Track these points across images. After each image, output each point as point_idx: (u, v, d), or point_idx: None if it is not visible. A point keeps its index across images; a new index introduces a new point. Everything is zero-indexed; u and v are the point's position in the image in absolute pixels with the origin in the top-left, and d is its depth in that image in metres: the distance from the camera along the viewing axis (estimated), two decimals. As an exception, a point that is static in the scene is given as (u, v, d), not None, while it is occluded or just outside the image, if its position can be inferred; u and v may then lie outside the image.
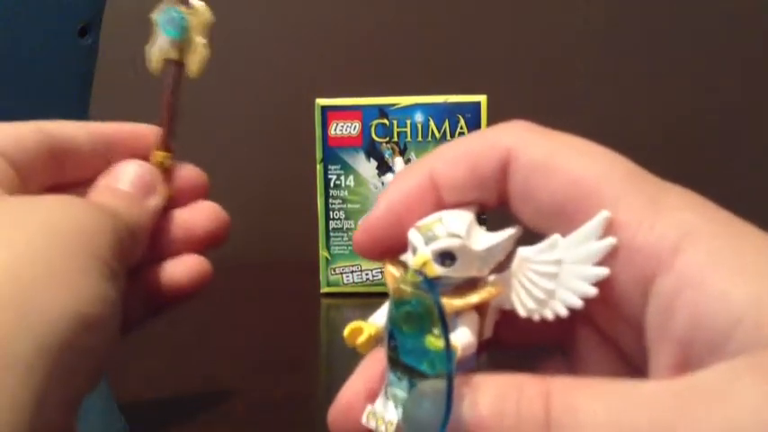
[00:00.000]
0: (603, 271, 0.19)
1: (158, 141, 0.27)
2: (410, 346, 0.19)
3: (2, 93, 0.31)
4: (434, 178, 0.21)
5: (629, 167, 0.19)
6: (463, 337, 0.19)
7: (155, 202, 0.26)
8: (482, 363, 0.20)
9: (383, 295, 0.20)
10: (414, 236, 0.20)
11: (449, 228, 0.20)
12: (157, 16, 0.27)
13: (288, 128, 0.66)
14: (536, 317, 0.19)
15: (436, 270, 0.19)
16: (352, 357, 0.23)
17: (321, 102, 0.56)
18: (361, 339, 0.20)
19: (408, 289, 0.19)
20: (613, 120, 0.70)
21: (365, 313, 0.21)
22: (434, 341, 0.18)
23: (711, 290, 0.17)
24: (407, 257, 0.21)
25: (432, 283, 0.19)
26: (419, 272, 0.19)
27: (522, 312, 0.20)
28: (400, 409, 0.19)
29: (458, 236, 0.19)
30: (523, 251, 0.20)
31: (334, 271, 0.57)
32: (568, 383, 0.17)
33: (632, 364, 0.19)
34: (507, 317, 0.20)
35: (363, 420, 0.20)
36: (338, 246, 0.57)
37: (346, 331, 0.20)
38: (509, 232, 0.20)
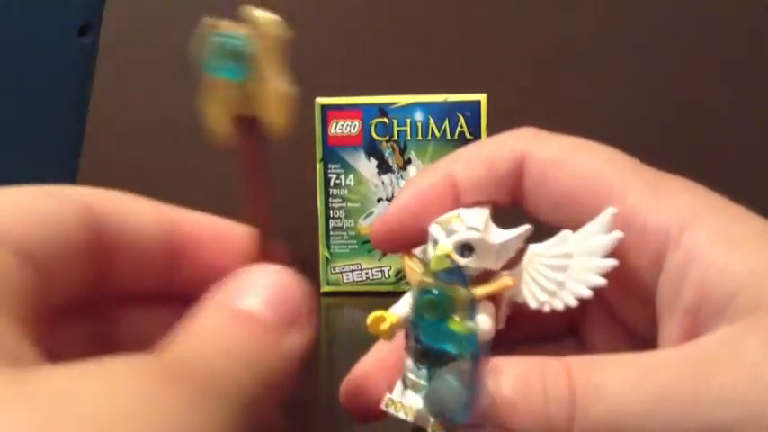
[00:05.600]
0: (611, 262, 0.20)
1: (254, 247, 0.19)
2: (432, 332, 0.20)
3: (2, 92, 0.31)
4: (453, 178, 0.22)
5: (631, 160, 0.21)
6: (484, 322, 0.20)
7: (305, 336, 0.17)
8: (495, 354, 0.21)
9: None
10: (435, 230, 0.21)
11: (468, 222, 0.21)
12: (203, 52, 0.17)
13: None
14: (546, 308, 0.21)
15: (457, 260, 0.20)
16: (352, 356, 0.23)
17: (321, 101, 0.56)
18: (384, 326, 0.21)
19: (431, 279, 0.20)
20: (614, 119, 0.70)
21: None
22: (457, 324, 0.19)
23: (714, 264, 0.18)
24: (422, 251, 0.23)
25: (459, 269, 0.20)
26: (449, 258, 0.20)
27: (533, 304, 0.21)
28: (421, 394, 0.20)
29: (476, 229, 0.21)
30: (535, 247, 0.21)
31: (334, 270, 0.57)
32: (588, 361, 0.18)
33: (639, 339, 0.21)
34: (516, 314, 0.22)
35: (383, 407, 0.21)
36: (338, 245, 0.57)
37: (369, 319, 0.21)
38: (521, 229, 0.21)
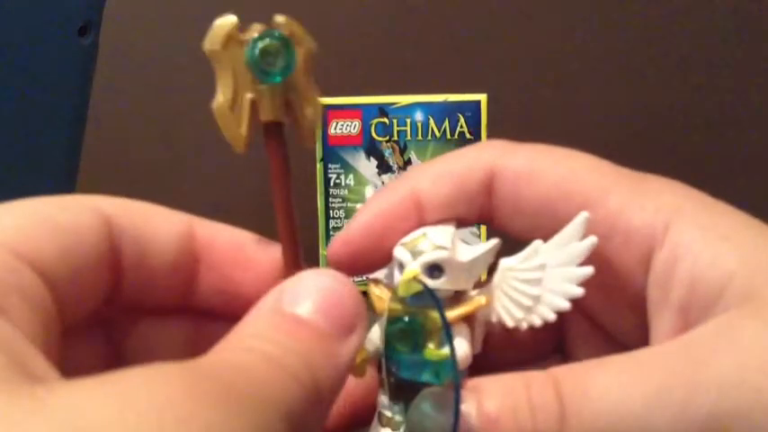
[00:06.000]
0: (588, 270, 0.19)
1: (284, 262, 0.18)
2: (408, 364, 0.18)
3: (2, 92, 0.31)
4: (417, 195, 0.21)
5: (607, 164, 0.21)
6: (460, 347, 0.19)
7: (354, 343, 0.16)
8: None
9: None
10: (400, 252, 0.20)
11: (434, 241, 0.20)
12: (247, 50, 0.16)
13: (288, 127, 0.65)
14: (524, 325, 0.20)
15: (420, 286, 0.19)
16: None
17: (321, 101, 0.56)
18: (357, 360, 0.20)
19: (399, 306, 0.19)
20: (614, 119, 0.70)
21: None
22: (434, 352, 0.18)
23: (702, 257, 0.18)
24: (386, 275, 0.21)
25: (429, 291, 0.19)
26: (417, 281, 0.19)
27: (509, 323, 0.20)
28: (401, 430, 0.19)
29: (444, 248, 0.20)
30: (506, 261, 0.20)
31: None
32: (574, 369, 0.17)
33: (629, 350, 0.20)
34: (499, 339, 0.21)
35: None
36: (338, 245, 0.57)
37: None
38: (489, 244, 0.20)
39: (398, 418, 0.19)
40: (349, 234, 0.21)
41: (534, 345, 0.22)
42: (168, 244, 0.18)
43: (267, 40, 0.16)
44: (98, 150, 0.48)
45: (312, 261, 0.57)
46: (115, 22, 0.38)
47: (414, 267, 0.19)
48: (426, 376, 0.18)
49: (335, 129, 0.56)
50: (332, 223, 0.57)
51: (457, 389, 0.17)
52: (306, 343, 0.15)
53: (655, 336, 0.19)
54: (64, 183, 0.38)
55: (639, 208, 0.19)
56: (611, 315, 0.21)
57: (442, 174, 0.21)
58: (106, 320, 0.18)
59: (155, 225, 0.18)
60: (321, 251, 0.57)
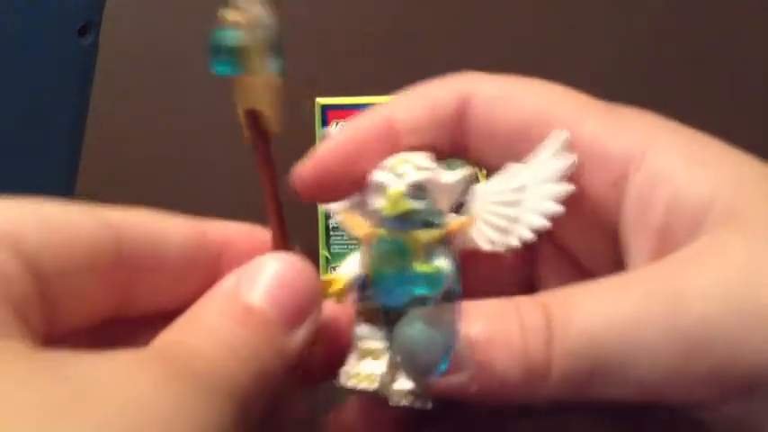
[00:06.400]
0: (568, 187, 0.19)
1: (272, 244, 0.18)
2: (396, 282, 0.18)
3: (2, 92, 0.31)
4: (391, 121, 0.21)
5: (583, 94, 0.21)
6: (445, 265, 0.19)
7: (303, 334, 0.16)
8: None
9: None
10: (381, 175, 0.20)
11: (417, 163, 0.20)
12: (207, 50, 0.17)
13: (288, 127, 0.65)
14: (500, 248, 0.19)
15: (410, 204, 0.19)
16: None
17: (321, 101, 0.56)
18: (334, 288, 0.19)
19: (383, 230, 0.19)
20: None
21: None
22: (425, 265, 0.18)
23: (682, 180, 0.18)
24: (354, 203, 0.21)
25: (415, 213, 0.18)
26: (409, 189, 0.19)
27: (485, 246, 0.19)
28: (382, 360, 0.18)
29: (428, 168, 0.19)
30: (482, 187, 0.20)
31: (334, 270, 0.57)
32: (560, 292, 0.17)
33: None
34: (464, 279, 0.20)
35: (341, 382, 0.19)
36: (338, 245, 0.57)
37: None
38: (468, 170, 0.20)
39: (380, 345, 0.18)
40: (318, 155, 0.20)
41: (505, 287, 0.21)
42: (181, 249, 0.18)
43: (217, 36, 0.17)
44: (98, 150, 0.48)
45: (312, 261, 0.57)
46: (115, 22, 0.38)
47: (399, 186, 0.19)
48: (419, 290, 0.17)
49: (335, 129, 0.56)
50: (332, 223, 0.57)
51: (452, 304, 0.17)
52: (253, 333, 0.15)
53: (632, 261, 0.19)
54: (64, 183, 0.38)
55: (616, 133, 0.19)
56: (586, 248, 0.21)
57: (416, 100, 0.21)
58: (126, 327, 0.17)
59: (165, 231, 0.17)
60: (321, 251, 0.57)
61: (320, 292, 0.17)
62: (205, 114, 0.68)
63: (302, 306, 0.16)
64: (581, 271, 0.21)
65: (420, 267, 0.18)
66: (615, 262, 0.19)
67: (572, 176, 0.19)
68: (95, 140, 0.45)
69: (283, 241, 0.18)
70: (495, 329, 0.16)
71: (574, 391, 0.16)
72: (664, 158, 0.18)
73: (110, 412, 0.11)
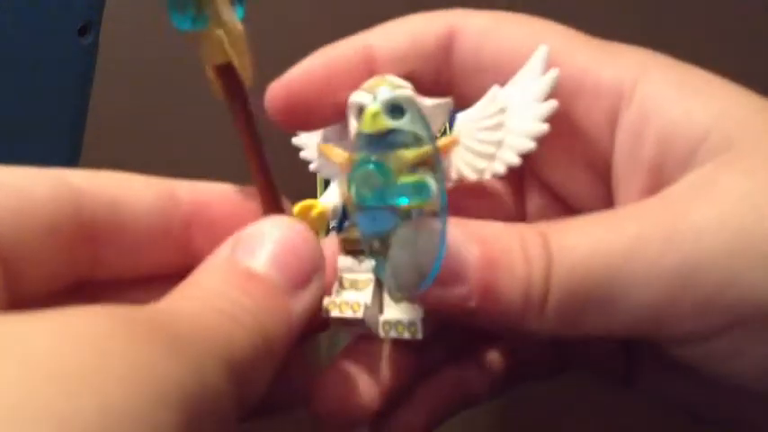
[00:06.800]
0: (552, 104, 0.18)
1: (262, 206, 0.18)
2: (379, 198, 0.17)
3: (2, 92, 0.31)
4: (370, 50, 0.20)
5: (570, 29, 0.20)
6: (432, 182, 0.18)
7: (309, 298, 0.16)
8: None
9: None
10: (359, 96, 0.19)
11: (395, 82, 0.19)
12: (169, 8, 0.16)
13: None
14: (487, 176, 0.19)
15: (387, 123, 0.18)
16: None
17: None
18: (314, 213, 0.19)
19: (362, 154, 0.17)
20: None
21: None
22: (407, 176, 0.17)
23: (675, 111, 0.17)
24: (329, 134, 0.20)
25: (392, 132, 0.17)
26: (386, 106, 0.18)
27: (471, 176, 0.19)
28: (367, 291, 0.18)
29: (406, 87, 0.19)
30: (463, 115, 0.19)
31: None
32: (557, 223, 0.17)
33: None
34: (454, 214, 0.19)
35: (325, 313, 0.18)
36: (338, 245, 0.57)
37: (297, 208, 0.19)
38: (445, 99, 0.20)
39: (364, 277, 0.18)
40: (290, 75, 0.19)
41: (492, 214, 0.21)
42: (148, 210, 0.17)
43: None
44: (98, 150, 0.48)
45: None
46: (115, 22, 0.38)
47: (375, 105, 0.18)
48: (404, 200, 0.17)
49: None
50: (331, 223, 0.57)
51: (444, 209, 0.16)
52: (257, 299, 0.14)
53: (623, 197, 0.18)
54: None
55: (608, 64, 0.19)
56: (575, 188, 0.20)
57: (398, 29, 0.20)
58: (95, 291, 0.17)
59: (131, 192, 0.17)
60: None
61: (323, 256, 0.16)
62: (205, 114, 0.68)
63: (306, 267, 0.16)
64: (571, 214, 0.20)
65: (404, 177, 0.17)
66: (605, 203, 0.19)
67: (565, 111, 0.18)
68: (95, 140, 0.45)
69: (275, 202, 0.18)
70: (501, 253, 0.16)
71: (566, 324, 0.16)
72: (656, 89, 0.18)
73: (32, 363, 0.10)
